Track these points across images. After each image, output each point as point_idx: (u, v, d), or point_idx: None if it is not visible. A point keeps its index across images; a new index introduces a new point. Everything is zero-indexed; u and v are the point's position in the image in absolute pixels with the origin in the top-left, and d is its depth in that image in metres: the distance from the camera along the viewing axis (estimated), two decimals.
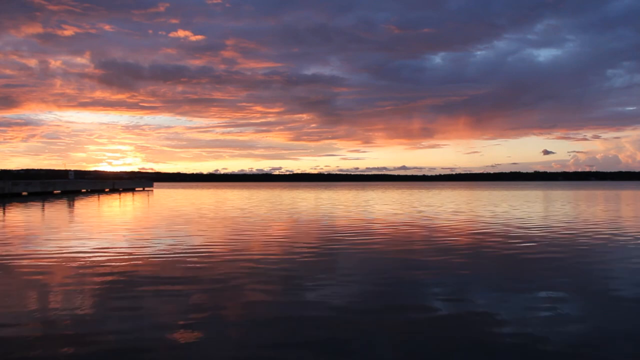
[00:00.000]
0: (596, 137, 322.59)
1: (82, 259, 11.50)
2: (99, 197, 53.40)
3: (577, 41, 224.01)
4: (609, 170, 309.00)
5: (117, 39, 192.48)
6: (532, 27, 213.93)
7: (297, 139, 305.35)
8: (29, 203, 37.85)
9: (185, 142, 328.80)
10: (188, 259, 11.51)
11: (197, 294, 8.10)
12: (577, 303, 7.59)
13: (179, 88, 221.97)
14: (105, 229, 18.75)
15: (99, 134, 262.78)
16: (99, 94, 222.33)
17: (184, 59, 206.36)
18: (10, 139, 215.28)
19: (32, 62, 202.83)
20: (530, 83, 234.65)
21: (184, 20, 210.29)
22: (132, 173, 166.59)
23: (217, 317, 6.79)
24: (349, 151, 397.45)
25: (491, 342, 5.78)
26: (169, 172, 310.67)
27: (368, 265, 10.94)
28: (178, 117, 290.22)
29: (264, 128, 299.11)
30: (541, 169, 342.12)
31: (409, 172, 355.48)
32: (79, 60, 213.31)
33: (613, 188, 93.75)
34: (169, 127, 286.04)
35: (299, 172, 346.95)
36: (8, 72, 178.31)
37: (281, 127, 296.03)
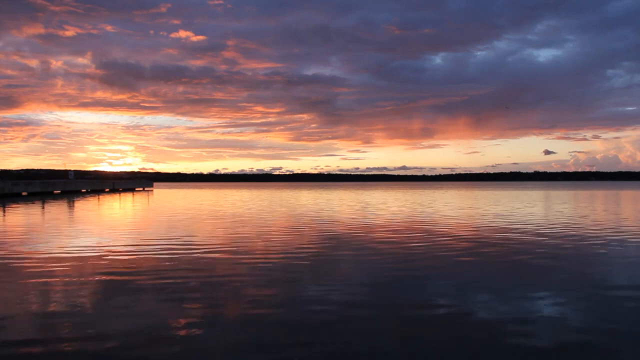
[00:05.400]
0: (596, 137, 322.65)
1: (82, 259, 11.49)
2: (98, 197, 53.39)
3: (577, 41, 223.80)
4: (609, 171, 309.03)
5: (118, 40, 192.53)
6: (533, 27, 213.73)
7: (297, 139, 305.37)
8: (28, 203, 37.84)
9: (185, 142, 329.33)
10: (189, 259, 11.50)
11: (198, 294, 8.09)
12: (578, 303, 7.57)
13: (180, 88, 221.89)
14: (104, 229, 18.73)
15: (100, 134, 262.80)
16: (100, 94, 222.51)
17: (185, 60, 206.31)
18: (10, 139, 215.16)
19: (34, 63, 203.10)
20: (530, 83, 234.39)
21: (185, 21, 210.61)
22: (132, 173, 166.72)
23: (218, 317, 6.78)
24: (349, 151, 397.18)
25: (492, 341, 5.78)
26: (169, 172, 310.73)
27: (370, 264, 10.93)
28: (178, 117, 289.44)
29: (264, 128, 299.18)
30: (541, 169, 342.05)
31: (409, 172, 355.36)
32: (80, 60, 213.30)
33: (613, 188, 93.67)
34: (169, 127, 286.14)
35: (299, 172, 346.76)
36: (9, 72, 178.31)
37: (281, 127, 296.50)
